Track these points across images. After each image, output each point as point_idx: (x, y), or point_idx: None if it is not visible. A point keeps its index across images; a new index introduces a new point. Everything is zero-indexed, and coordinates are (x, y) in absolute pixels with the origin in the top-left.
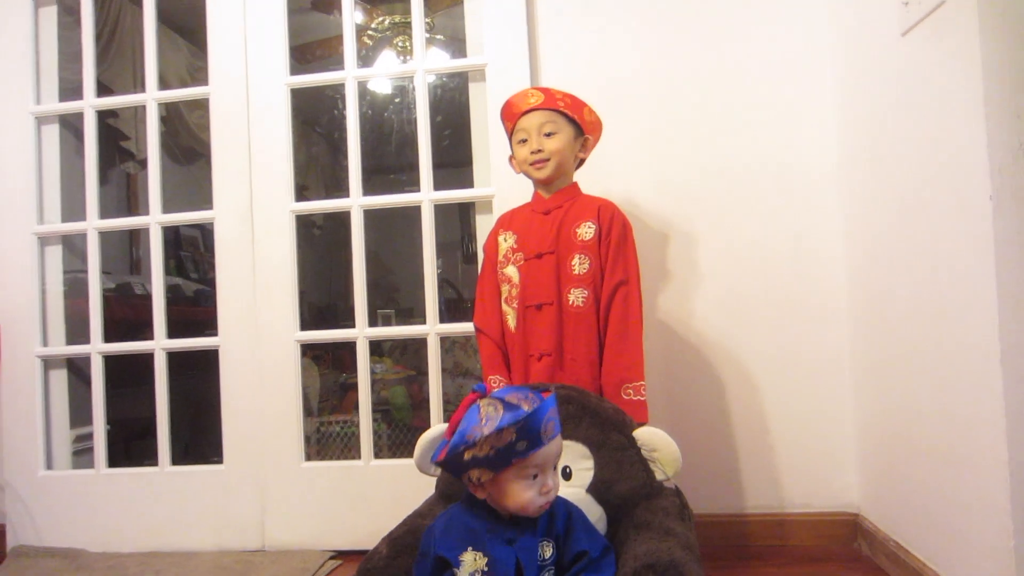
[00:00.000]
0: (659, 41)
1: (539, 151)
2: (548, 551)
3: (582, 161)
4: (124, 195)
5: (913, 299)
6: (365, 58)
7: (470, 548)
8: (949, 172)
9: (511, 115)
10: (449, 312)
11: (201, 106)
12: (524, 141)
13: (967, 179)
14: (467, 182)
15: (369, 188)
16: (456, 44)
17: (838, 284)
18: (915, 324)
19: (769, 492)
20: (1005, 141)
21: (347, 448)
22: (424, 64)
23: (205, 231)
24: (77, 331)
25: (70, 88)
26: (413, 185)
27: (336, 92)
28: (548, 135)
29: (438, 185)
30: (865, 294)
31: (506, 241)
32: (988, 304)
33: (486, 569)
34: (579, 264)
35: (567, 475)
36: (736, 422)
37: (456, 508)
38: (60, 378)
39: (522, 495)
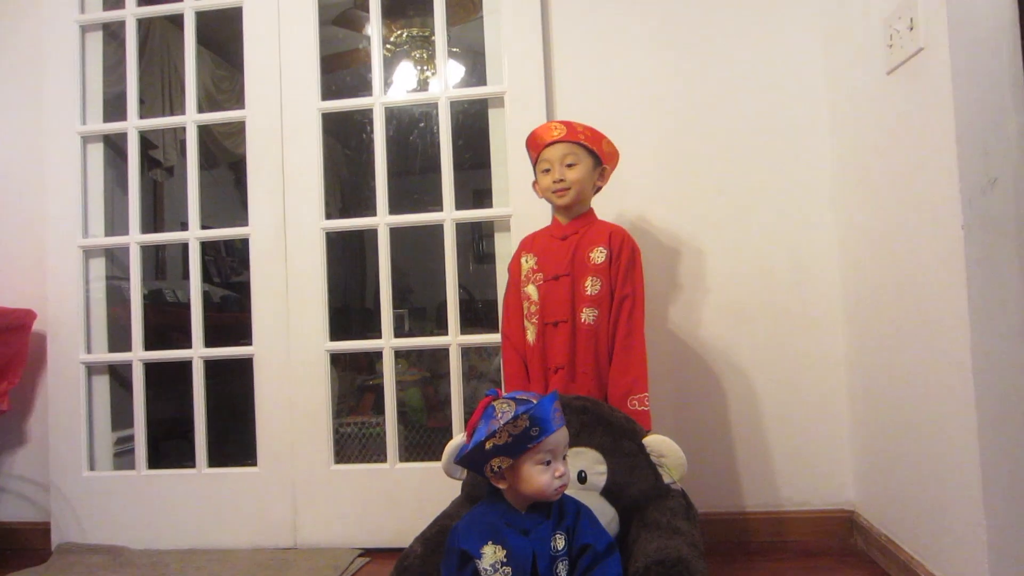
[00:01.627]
0: (667, 72)
1: (561, 180)
2: (561, 543)
3: (599, 188)
4: (151, 203)
5: (898, 313)
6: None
7: (490, 541)
8: (927, 201)
9: (536, 145)
10: (463, 315)
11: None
12: (547, 171)
13: (942, 208)
14: (476, 182)
15: (389, 192)
16: (474, 56)
17: (833, 296)
18: (900, 336)
19: (769, 491)
20: (975, 176)
21: (364, 449)
22: (447, 92)
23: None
24: (115, 337)
25: (106, 99)
26: (428, 187)
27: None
28: (569, 165)
29: (456, 187)
30: (857, 306)
31: (527, 262)
32: (961, 320)
33: (505, 560)
34: (591, 286)
35: (583, 479)
36: (738, 425)
37: (477, 508)
38: (102, 383)
39: (539, 478)
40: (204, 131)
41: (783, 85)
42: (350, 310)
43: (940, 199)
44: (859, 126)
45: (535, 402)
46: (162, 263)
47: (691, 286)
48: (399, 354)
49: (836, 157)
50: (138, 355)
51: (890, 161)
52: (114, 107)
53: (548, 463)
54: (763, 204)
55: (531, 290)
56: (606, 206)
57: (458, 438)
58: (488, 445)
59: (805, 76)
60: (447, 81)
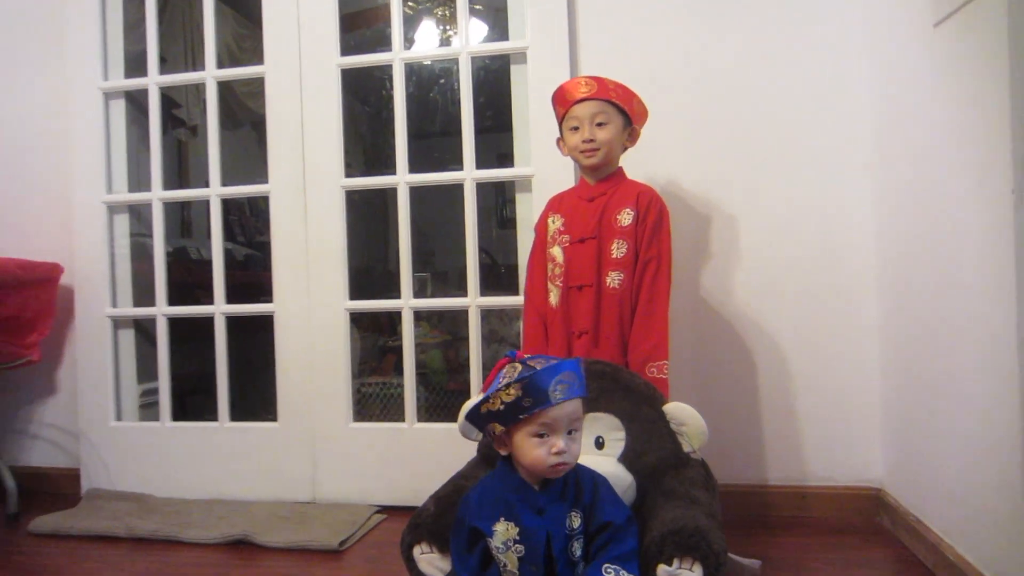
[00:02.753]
0: (696, 25)
1: (591, 140)
2: (576, 521)
3: (626, 148)
4: (176, 161)
5: (937, 283)
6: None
7: (502, 518)
8: (974, 163)
9: (563, 101)
10: (485, 278)
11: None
12: (576, 129)
13: (991, 171)
14: (502, 146)
15: (411, 153)
16: (496, 15)
17: (868, 265)
18: (938, 307)
19: (793, 465)
20: None
21: (385, 408)
22: (468, 48)
23: (251, 197)
24: (141, 292)
25: (128, 58)
26: (451, 149)
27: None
28: (600, 124)
29: (477, 150)
30: (893, 275)
31: (554, 223)
32: (1007, 292)
33: (517, 538)
34: (617, 248)
35: (600, 444)
36: (764, 396)
37: (489, 478)
38: (128, 337)
39: (531, 452)
40: (227, 91)
41: (820, 41)
42: (373, 272)
43: (989, 161)
44: (901, 84)
45: (537, 370)
46: (187, 221)
47: (721, 252)
48: (421, 316)
49: (875, 118)
50: (162, 310)
51: (934, 121)
52: (136, 65)
53: (543, 436)
54: (797, 167)
55: (556, 252)
56: (635, 168)
57: (474, 399)
58: (483, 409)
59: (843, 31)
60: (468, 36)
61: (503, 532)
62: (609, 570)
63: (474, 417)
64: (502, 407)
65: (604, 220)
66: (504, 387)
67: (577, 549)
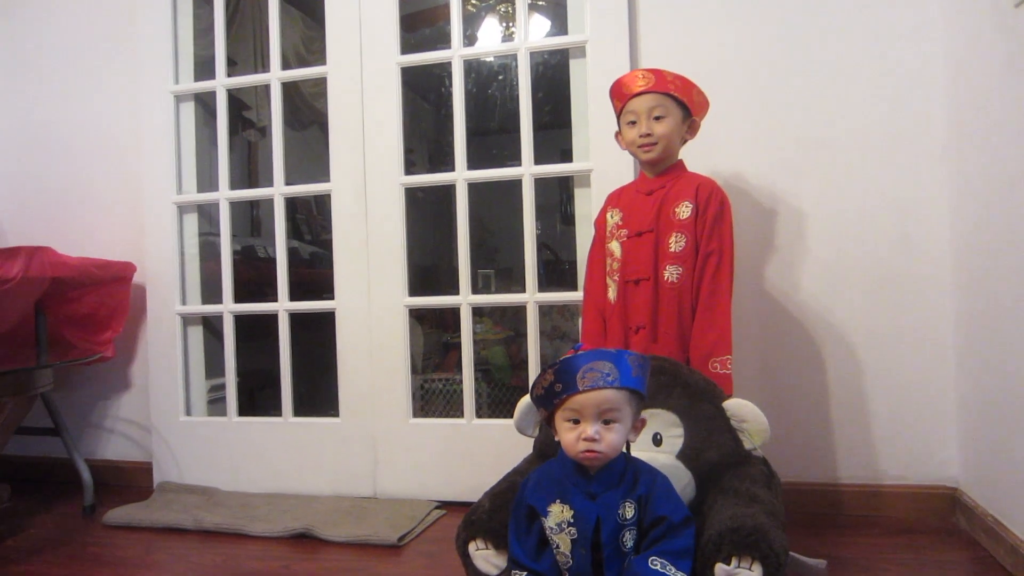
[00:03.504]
0: (760, 12)
1: (648, 135)
2: (630, 511)
3: (686, 140)
4: (246, 162)
5: (1017, 273)
6: (467, 23)
7: (558, 500)
8: None
9: (621, 95)
10: (547, 274)
11: (314, 77)
12: (633, 123)
13: None
14: (564, 142)
15: (471, 147)
16: (557, 10)
17: (943, 256)
18: (1017, 300)
19: (865, 463)
20: None
21: (449, 404)
22: (526, 43)
23: (318, 196)
24: (209, 290)
25: (198, 62)
26: (512, 147)
27: (441, 47)
28: (657, 118)
29: (537, 145)
30: (970, 267)
31: (612, 218)
32: None
33: (571, 520)
34: (675, 242)
35: (657, 441)
36: (833, 392)
37: (549, 463)
38: (197, 334)
39: (564, 436)
40: (294, 91)
41: (892, 23)
42: (439, 269)
43: None
44: (980, 67)
45: (570, 356)
46: (256, 221)
47: (788, 244)
48: (484, 312)
49: (950, 103)
50: (228, 307)
51: (1013, 105)
52: (207, 69)
53: (576, 422)
54: (867, 156)
55: (614, 246)
56: (696, 161)
57: (527, 396)
58: (533, 396)
59: (919, 15)
60: (527, 31)
61: (558, 513)
62: (655, 562)
63: (536, 407)
64: (542, 392)
65: (662, 213)
66: (541, 373)
67: (629, 540)
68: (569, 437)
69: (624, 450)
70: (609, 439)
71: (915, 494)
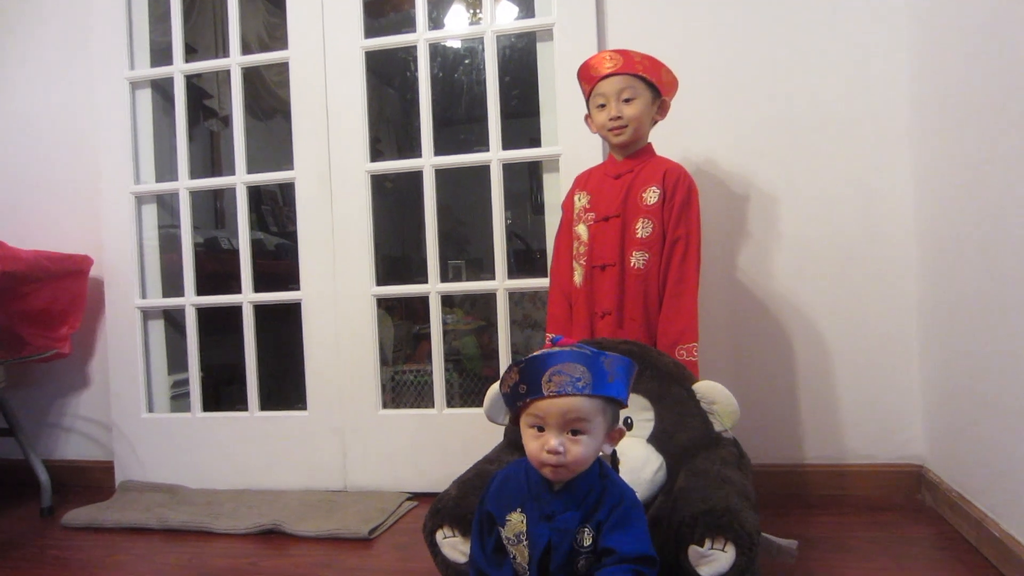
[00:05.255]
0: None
1: (618, 118)
2: (588, 539)
3: (656, 122)
4: (208, 151)
5: (982, 253)
6: (434, 8)
7: (519, 509)
8: (1021, 126)
9: (589, 78)
10: (518, 263)
11: (279, 65)
12: (603, 106)
13: None
14: (534, 131)
15: (439, 136)
16: None
17: (907, 239)
18: (981, 281)
19: (832, 443)
20: None
21: (421, 396)
22: (493, 26)
23: (284, 186)
24: (171, 283)
25: (157, 50)
26: (481, 135)
27: (407, 31)
28: (627, 100)
29: (506, 134)
30: (934, 247)
31: (580, 200)
32: None
33: (525, 534)
34: (642, 228)
35: (628, 425)
36: (801, 375)
37: (516, 465)
38: (158, 328)
39: (528, 443)
40: (258, 80)
41: (858, 7)
42: (409, 260)
43: None
44: (942, 48)
45: (535, 355)
46: (220, 212)
47: (757, 230)
48: (455, 302)
49: (916, 84)
50: (190, 300)
51: (981, 79)
52: (166, 57)
53: (541, 429)
54: (834, 141)
55: (581, 230)
56: (667, 145)
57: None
58: (500, 390)
59: None
60: (493, 13)
61: (516, 523)
62: None
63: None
64: (507, 390)
65: (629, 198)
66: (509, 369)
67: (583, 566)
68: (533, 446)
69: (608, 461)
70: (575, 452)
71: (881, 472)
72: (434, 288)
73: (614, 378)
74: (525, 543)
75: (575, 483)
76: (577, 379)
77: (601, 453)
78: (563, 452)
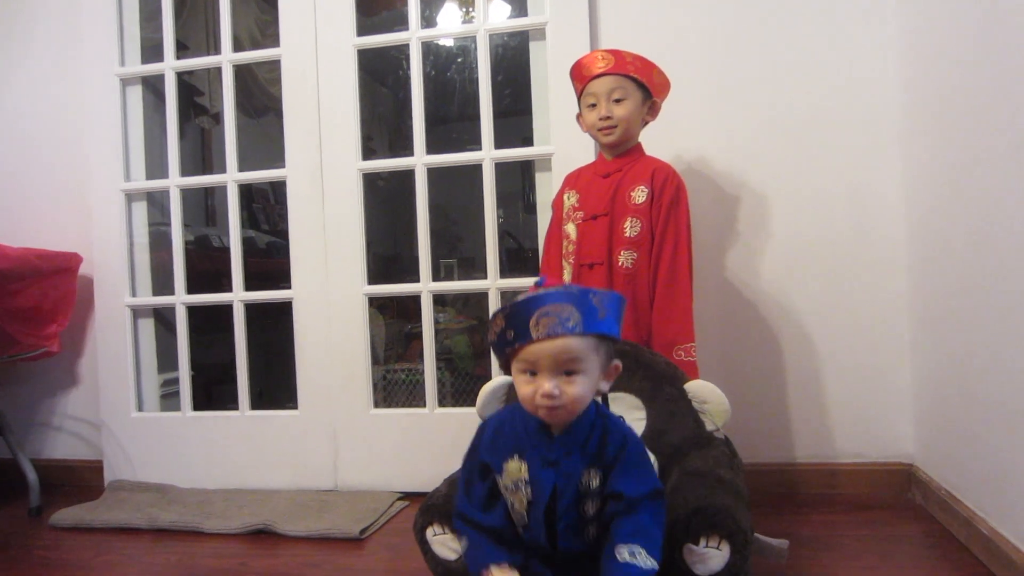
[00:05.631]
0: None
1: (608, 117)
2: (595, 480)
3: (647, 122)
4: (199, 149)
5: (972, 252)
6: (427, 6)
7: (516, 456)
8: (1013, 126)
9: (580, 77)
10: (510, 262)
11: (270, 62)
12: (593, 106)
13: None
14: (526, 129)
15: (432, 136)
16: None
17: (897, 239)
18: (970, 279)
19: (822, 442)
20: None
21: (412, 395)
22: (486, 25)
23: (275, 184)
24: (161, 282)
25: (148, 47)
26: (474, 133)
27: (399, 30)
28: (617, 101)
29: (499, 133)
30: (925, 247)
31: (569, 199)
32: None
33: (527, 479)
34: (630, 227)
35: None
36: (792, 374)
37: (508, 411)
38: (148, 326)
39: (521, 389)
40: (250, 77)
41: (847, 6)
42: (401, 259)
43: (1022, 126)
44: (932, 49)
45: (519, 299)
46: (211, 210)
47: (748, 229)
48: (447, 301)
49: (905, 83)
50: (180, 298)
51: (970, 82)
52: (157, 54)
53: (534, 374)
54: (823, 137)
55: (570, 228)
56: (657, 144)
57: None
58: (488, 340)
59: None
60: (486, 12)
61: (514, 471)
62: (621, 552)
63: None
64: (496, 338)
65: (618, 197)
66: (494, 316)
67: (591, 509)
68: (526, 391)
69: (600, 399)
70: (571, 393)
71: (872, 471)
72: (426, 287)
73: (605, 314)
74: (525, 490)
75: (574, 426)
76: (566, 319)
77: (598, 392)
78: (558, 395)
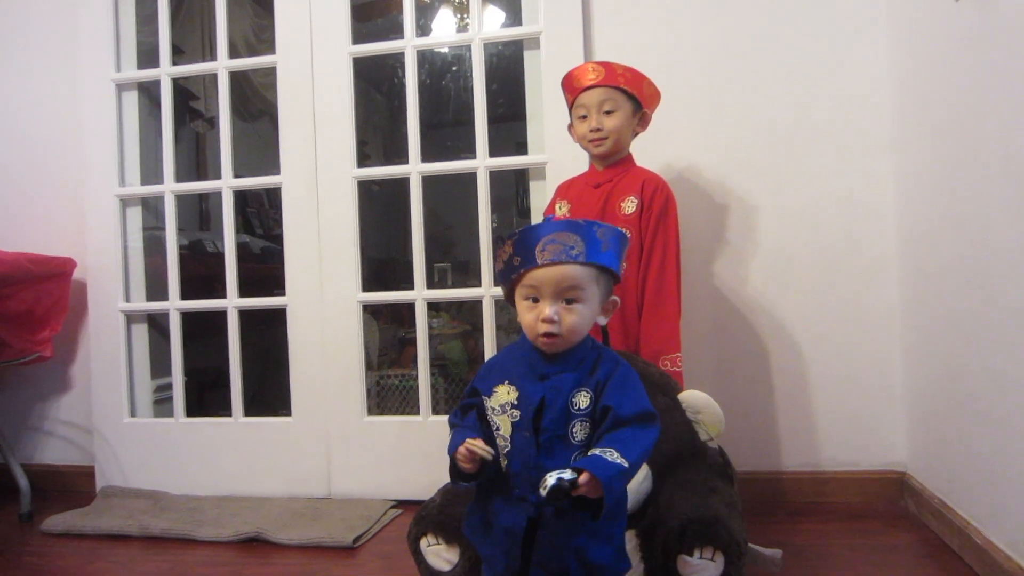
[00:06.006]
0: (714, 10)
1: (598, 129)
2: (584, 400)
3: (637, 133)
4: (194, 153)
5: (960, 261)
6: (421, 14)
7: (506, 381)
8: (996, 138)
9: (572, 88)
10: None
11: (266, 67)
12: (584, 117)
13: (1014, 146)
14: (521, 134)
15: (427, 140)
16: (511, 1)
17: (889, 246)
18: (960, 286)
19: (814, 450)
20: None
21: (405, 401)
22: (480, 34)
23: (270, 189)
24: (155, 286)
25: (143, 50)
26: (468, 139)
27: (394, 37)
28: (608, 112)
29: (493, 137)
30: (915, 254)
31: (560, 209)
32: None
33: (515, 402)
34: None
35: None
36: (785, 383)
37: (511, 346)
38: (141, 331)
39: (523, 316)
40: (244, 81)
41: (839, 20)
42: (396, 263)
43: (1011, 136)
44: (922, 60)
45: (530, 226)
46: (205, 215)
47: (738, 239)
48: (441, 307)
49: (896, 97)
50: (174, 304)
51: (956, 96)
52: (152, 58)
53: (536, 301)
54: (815, 148)
55: None
56: (648, 154)
57: None
58: (494, 270)
59: (863, 9)
60: (481, 21)
61: (503, 394)
62: (595, 450)
63: (496, 283)
64: (503, 266)
65: (608, 208)
66: (502, 243)
67: (579, 432)
68: (528, 317)
69: (602, 334)
70: (570, 321)
71: (865, 479)
72: (420, 295)
73: (607, 247)
74: (510, 412)
75: (571, 351)
76: (571, 247)
77: (596, 323)
78: (558, 321)
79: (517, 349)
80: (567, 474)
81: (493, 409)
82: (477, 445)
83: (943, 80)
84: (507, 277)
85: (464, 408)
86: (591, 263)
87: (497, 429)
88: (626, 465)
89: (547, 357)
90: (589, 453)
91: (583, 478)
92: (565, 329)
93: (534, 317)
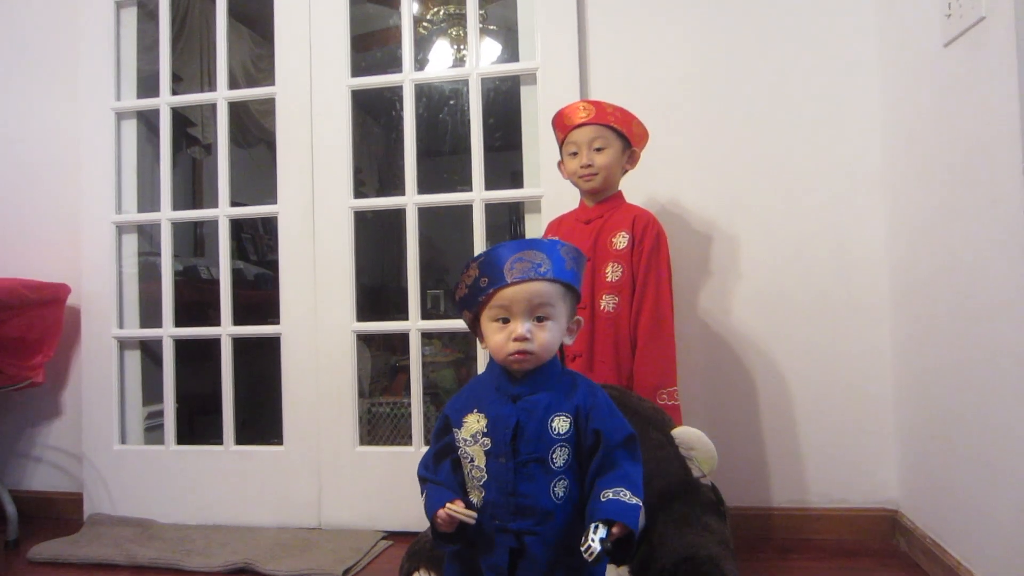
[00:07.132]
0: (706, 45)
1: (589, 166)
2: (564, 425)
3: (627, 171)
4: (190, 179)
5: (951, 301)
6: (419, 45)
7: (475, 410)
8: (985, 181)
9: (563, 126)
10: None
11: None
12: (575, 154)
13: (1002, 189)
14: (516, 163)
15: (422, 168)
16: (508, 34)
17: (879, 283)
18: (952, 326)
19: (805, 487)
20: None
21: (396, 428)
22: (478, 69)
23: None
24: (148, 312)
25: (142, 77)
26: (464, 169)
27: (392, 71)
28: (598, 150)
29: (489, 166)
30: (907, 295)
31: None
32: (1020, 309)
33: (485, 430)
34: (612, 272)
35: None
36: (775, 419)
37: (477, 376)
38: (134, 358)
39: (493, 337)
40: (242, 109)
41: (830, 61)
42: (388, 289)
43: (1000, 179)
44: (912, 103)
45: (494, 247)
46: (200, 240)
47: (728, 274)
48: (432, 335)
49: (887, 136)
50: (168, 331)
51: (946, 139)
52: (152, 85)
53: (506, 321)
54: (806, 187)
55: None
56: (636, 190)
57: None
58: (456, 298)
59: (854, 51)
60: (478, 56)
61: (472, 424)
62: (607, 494)
63: (459, 311)
64: (467, 291)
65: (599, 243)
66: (465, 268)
67: (559, 458)
68: (498, 339)
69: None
70: (542, 339)
71: (856, 517)
72: (415, 325)
73: (571, 265)
74: (481, 442)
75: (541, 370)
76: (538, 264)
77: (562, 344)
78: (531, 338)
79: (484, 376)
80: (601, 531)
81: (465, 440)
82: (457, 510)
83: (933, 123)
84: (475, 300)
85: (437, 456)
86: (558, 280)
87: (472, 460)
88: (641, 504)
89: (516, 378)
90: (601, 496)
91: (616, 530)
92: (538, 346)
93: (504, 337)
